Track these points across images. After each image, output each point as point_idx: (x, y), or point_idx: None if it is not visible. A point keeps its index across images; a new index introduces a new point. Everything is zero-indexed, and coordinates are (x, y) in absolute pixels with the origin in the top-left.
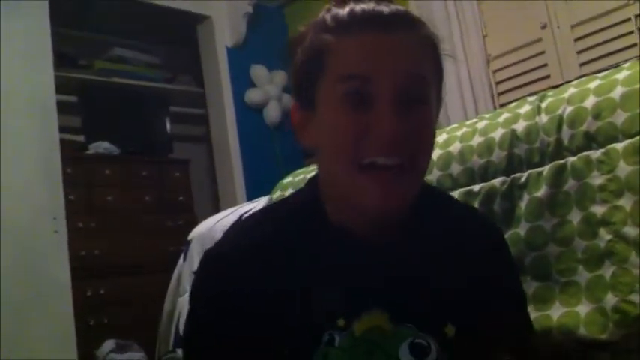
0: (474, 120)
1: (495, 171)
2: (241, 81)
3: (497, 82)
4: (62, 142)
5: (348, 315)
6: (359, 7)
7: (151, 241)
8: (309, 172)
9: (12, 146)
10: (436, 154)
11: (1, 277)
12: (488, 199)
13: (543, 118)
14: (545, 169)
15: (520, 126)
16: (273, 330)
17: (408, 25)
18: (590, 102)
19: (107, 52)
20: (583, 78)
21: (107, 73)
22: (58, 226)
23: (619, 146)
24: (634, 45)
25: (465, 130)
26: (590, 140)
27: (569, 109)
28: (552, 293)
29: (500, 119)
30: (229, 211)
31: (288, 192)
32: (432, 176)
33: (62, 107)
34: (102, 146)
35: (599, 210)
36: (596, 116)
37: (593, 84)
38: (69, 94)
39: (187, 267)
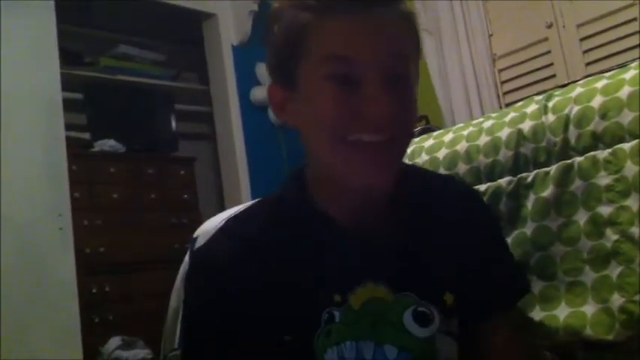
0: (480, 119)
1: (502, 170)
2: (246, 79)
3: (503, 82)
4: (68, 139)
5: (342, 290)
6: None
7: (156, 238)
8: None
9: (18, 143)
10: (442, 153)
11: (5, 273)
12: (495, 198)
13: (550, 118)
14: (552, 169)
15: (527, 125)
16: (270, 321)
17: (387, 2)
18: (597, 102)
19: (112, 49)
20: (590, 77)
21: (112, 71)
22: (63, 223)
23: (626, 146)
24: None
25: (471, 130)
26: (597, 140)
27: (576, 108)
28: (558, 293)
29: (507, 118)
30: (236, 209)
31: None
32: None
33: (68, 104)
34: (107, 144)
35: (605, 210)
36: (603, 116)
37: (600, 83)
38: (74, 92)
39: None
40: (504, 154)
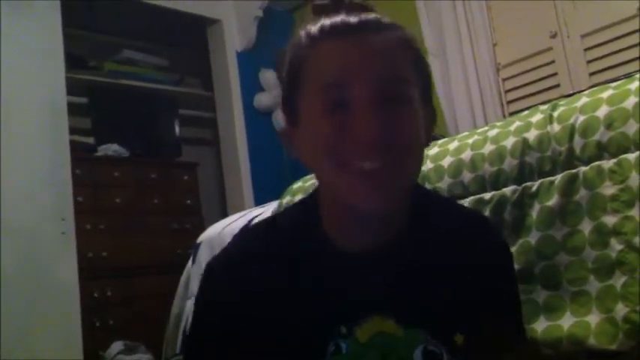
0: (485, 128)
1: (506, 179)
2: (251, 85)
3: (507, 91)
4: (72, 143)
5: (348, 322)
6: (328, 21)
7: (159, 243)
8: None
9: (22, 147)
10: (447, 161)
11: (7, 277)
12: (499, 207)
13: (555, 127)
14: (557, 178)
15: (532, 134)
16: (276, 344)
17: (378, 29)
18: (602, 112)
19: (117, 54)
20: (595, 87)
21: (117, 75)
22: (66, 227)
23: (631, 156)
24: None
25: (476, 138)
26: (603, 150)
27: (582, 118)
28: (563, 303)
29: (512, 127)
30: (238, 215)
31: (298, 197)
32: (443, 183)
33: (72, 109)
34: (111, 148)
35: (610, 220)
36: (609, 126)
37: (605, 94)
38: (79, 96)
39: (196, 270)
40: (509, 163)
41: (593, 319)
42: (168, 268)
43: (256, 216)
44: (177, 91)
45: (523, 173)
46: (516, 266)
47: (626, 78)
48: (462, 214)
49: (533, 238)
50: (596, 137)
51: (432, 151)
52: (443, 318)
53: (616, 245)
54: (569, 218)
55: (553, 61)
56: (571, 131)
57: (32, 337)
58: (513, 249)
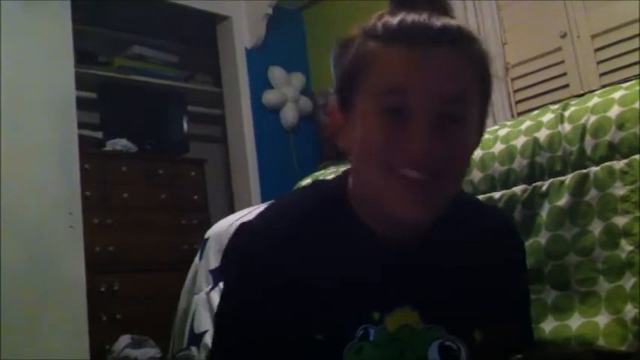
0: (496, 127)
1: (516, 178)
2: (259, 82)
3: (516, 91)
4: (80, 137)
5: (382, 309)
6: (410, 18)
7: (166, 238)
8: (328, 174)
9: (31, 141)
10: None
11: (14, 270)
12: (509, 206)
13: (566, 127)
14: (568, 178)
15: (542, 134)
16: (308, 318)
17: (457, 41)
18: (614, 112)
19: (126, 49)
20: (607, 88)
21: (126, 71)
22: (73, 221)
23: None
24: None
25: (486, 137)
26: (614, 150)
27: (593, 118)
28: (572, 303)
29: (523, 127)
30: (246, 211)
31: None
32: None
33: (81, 103)
34: (119, 143)
35: (620, 221)
36: (620, 126)
37: (617, 94)
38: (88, 91)
39: (203, 265)
40: (519, 163)
41: (603, 319)
42: (175, 264)
43: None
44: (186, 88)
45: (533, 173)
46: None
47: (636, 79)
48: (488, 214)
49: (543, 237)
50: (608, 137)
51: None
52: (462, 314)
53: (626, 246)
54: (579, 218)
55: (562, 61)
56: (582, 131)
57: (39, 330)
58: None
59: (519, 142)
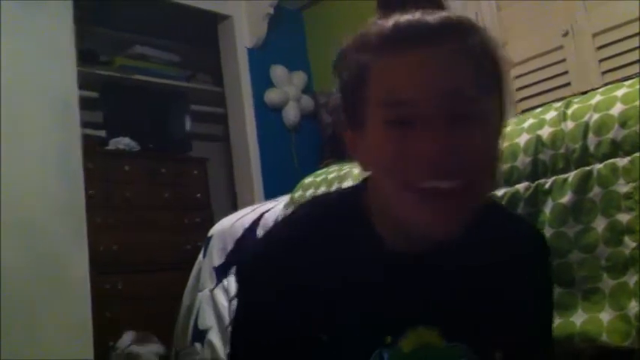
0: None
1: (519, 176)
2: (261, 81)
3: (518, 89)
4: (83, 137)
5: (394, 331)
6: (403, 20)
7: (169, 237)
8: (330, 172)
9: (34, 140)
10: None
11: (17, 270)
12: (512, 204)
13: (569, 125)
14: (571, 176)
15: (545, 132)
16: (321, 346)
17: (458, 35)
18: (617, 110)
19: (128, 49)
20: (610, 85)
21: (128, 70)
22: (77, 220)
23: None
24: None
25: None
26: (617, 148)
27: (596, 116)
28: (575, 300)
29: (525, 125)
30: (249, 209)
31: (310, 192)
32: None
33: (84, 103)
34: (122, 142)
35: (624, 218)
36: (623, 124)
37: (620, 92)
38: (91, 90)
39: (207, 263)
40: (522, 161)
41: (606, 316)
42: (178, 262)
43: (267, 210)
44: (188, 87)
45: (536, 170)
46: None
47: (638, 77)
48: (516, 227)
49: (546, 234)
50: (611, 135)
51: None
52: (486, 333)
53: (629, 243)
54: (582, 216)
55: (564, 60)
56: (585, 129)
57: (42, 329)
58: None
59: (522, 139)
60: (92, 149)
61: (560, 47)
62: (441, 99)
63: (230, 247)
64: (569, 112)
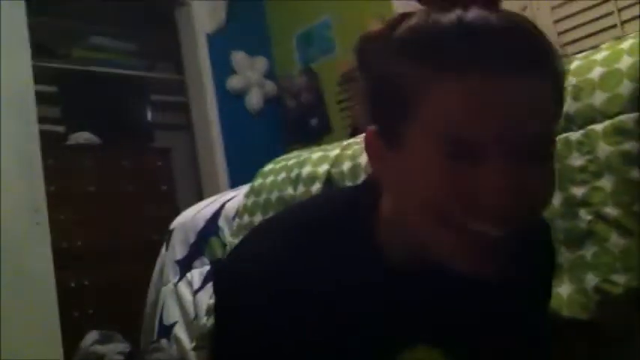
0: None
1: None
2: (222, 68)
3: None
4: (42, 133)
5: (392, 348)
6: (471, 19)
7: (135, 230)
8: (291, 158)
9: None
10: None
11: None
12: None
13: None
14: None
15: None
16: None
17: (545, 58)
18: (569, 83)
19: (85, 40)
20: (564, 59)
21: (85, 62)
22: (39, 217)
23: (598, 127)
24: (614, 26)
25: None
26: (570, 122)
27: None
28: None
29: None
30: (210, 199)
31: (269, 179)
32: None
33: (41, 98)
34: (82, 136)
35: (579, 191)
36: (575, 97)
37: (572, 65)
38: (47, 84)
39: (170, 257)
40: None
41: (565, 289)
42: (144, 256)
43: (228, 200)
44: (147, 76)
45: None
46: None
47: (592, 50)
48: (530, 239)
49: None
50: (564, 109)
51: None
52: (496, 352)
53: (585, 216)
54: None
55: None
56: None
57: (8, 331)
58: None
59: None
60: (52, 145)
61: None
62: (517, 140)
63: (192, 239)
64: None
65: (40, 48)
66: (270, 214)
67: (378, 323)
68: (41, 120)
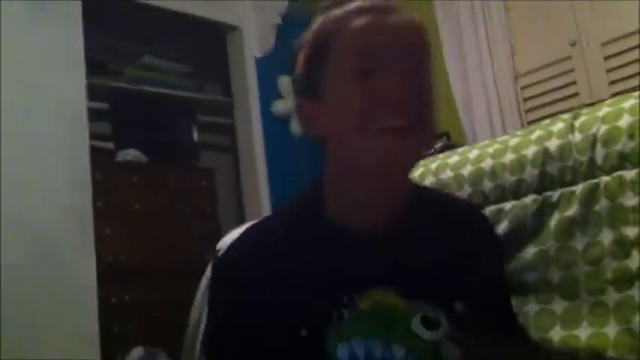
0: (506, 137)
1: (527, 189)
2: (269, 91)
3: (525, 99)
4: (92, 148)
5: (350, 292)
6: (353, 3)
7: (177, 248)
8: None
9: (43, 151)
10: (467, 169)
11: (26, 281)
12: (520, 216)
13: (577, 137)
14: (578, 188)
15: (553, 144)
16: (286, 318)
17: (406, 12)
18: (624, 121)
19: (137, 59)
20: (617, 97)
21: (137, 81)
22: (85, 231)
23: None
24: None
25: (496, 147)
26: (624, 160)
27: (604, 128)
28: (580, 313)
29: (533, 136)
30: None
31: None
32: (464, 192)
33: (92, 114)
34: (130, 153)
35: (631, 231)
36: (631, 136)
37: (627, 103)
38: (100, 101)
39: None
40: (530, 173)
41: (611, 330)
42: (186, 274)
43: None
44: (196, 97)
45: (544, 183)
46: (534, 275)
47: None
48: (459, 201)
49: (552, 247)
50: (618, 147)
51: (453, 159)
52: (441, 287)
53: (637, 257)
54: (589, 229)
55: (572, 70)
56: (593, 141)
57: (49, 341)
58: (531, 258)
59: (530, 151)
60: (101, 161)
61: (569, 57)
62: (397, 51)
63: None
64: (577, 123)
65: (93, 65)
66: None
67: (337, 273)
68: (92, 136)
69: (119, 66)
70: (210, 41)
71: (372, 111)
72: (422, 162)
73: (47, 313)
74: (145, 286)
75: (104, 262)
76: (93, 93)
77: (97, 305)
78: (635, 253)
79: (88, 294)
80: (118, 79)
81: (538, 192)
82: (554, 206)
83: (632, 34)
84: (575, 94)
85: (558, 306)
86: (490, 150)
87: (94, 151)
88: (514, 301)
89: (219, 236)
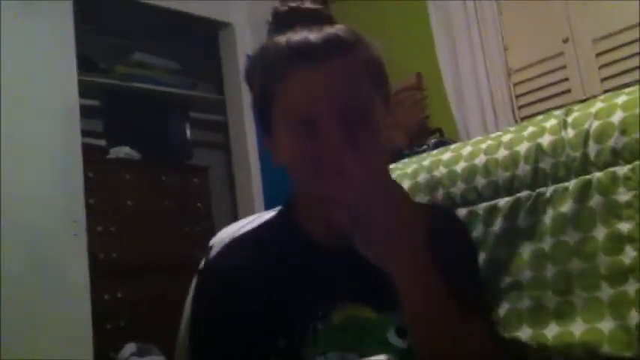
0: (499, 133)
1: (520, 185)
2: None
3: (518, 96)
4: (84, 146)
5: (324, 307)
6: (294, 39)
7: (169, 245)
8: None
9: (34, 149)
10: (461, 166)
11: (18, 279)
12: (513, 213)
13: (569, 133)
14: (571, 184)
15: (546, 140)
16: (265, 325)
17: (341, 50)
18: (617, 117)
19: (128, 56)
20: (610, 93)
21: (128, 78)
22: (77, 229)
23: None
24: None
25: (489, 143)
26: (617, 156)
27: (596, 123)
28: (574, 309)
29: (526, 133)
30: (250, 218)
31: None
32: (457, 189)
33: (84, 111)
34: (122, 151)
35: (624, 227)
36: (623, 132)
37: (620, 99)
38: (91, 98)
39: None
40: (523, 169)
41: (606, 326)
42: (179, 271)
43: None
44: (189, 95)
45: (537, 179)
46: (528, 272)
47: (638, 83)
48: (429, 206)
49: (546, 244)
50: (611, 143)
51: (446, 156)
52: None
53: (630, 252)
54: (582, 224)
55: (564, 66)
56: (585, 137)
57: (42, 339)
58: (526, 255)
59: (523, 147)
60: (92, 158)
61: (561, 54)
62: (336, 109)
63: None
64: (570, 119)
65: (84, 62)
66: None
67: (311, 288)
68: (84, 133)
69: (111, 63)
70: (202, 38)
71: (308, 161)
72: (414, 159)
73: (40, 312)
74: (137, 283)
75: (96, 259)
76: (84, 90)
77: (90, 302)
78: (628, 248)
79: (81, 292)
80: (110, 77)
81: (531, 188)
82: (548, 202)
83: (624, 30)
84: (568, 91)
85: (552, 302)
86: (483, 146)
87: (86, 149)
88: (508, 298)
89: (212, 233)
